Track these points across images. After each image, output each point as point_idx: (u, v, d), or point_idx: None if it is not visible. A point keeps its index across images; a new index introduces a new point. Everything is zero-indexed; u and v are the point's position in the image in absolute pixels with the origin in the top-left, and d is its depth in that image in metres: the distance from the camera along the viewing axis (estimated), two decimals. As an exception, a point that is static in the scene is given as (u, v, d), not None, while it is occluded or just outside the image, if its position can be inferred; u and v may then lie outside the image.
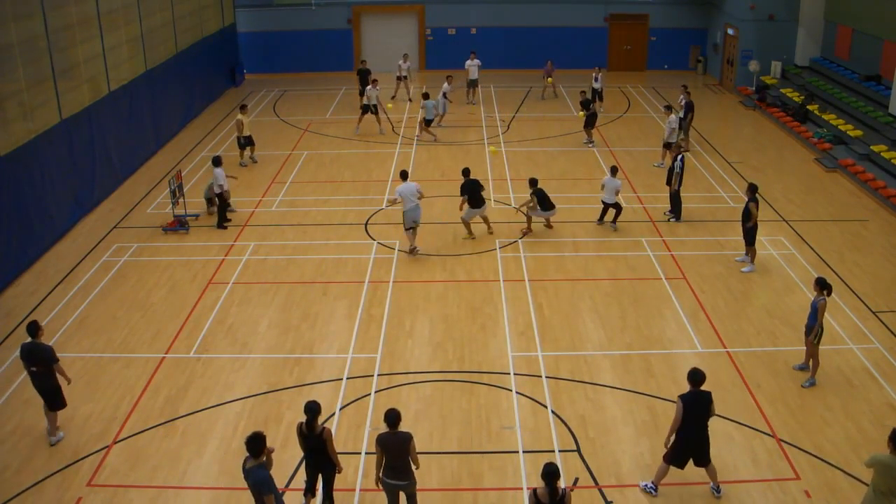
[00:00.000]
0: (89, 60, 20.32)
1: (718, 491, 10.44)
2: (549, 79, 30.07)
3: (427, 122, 25.32)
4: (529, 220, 18.33)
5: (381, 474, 9.60)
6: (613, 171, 18.54)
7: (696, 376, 10.02)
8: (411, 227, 17.06)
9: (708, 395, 10.05)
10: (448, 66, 30.61)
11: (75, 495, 10.62)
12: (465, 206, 17.97)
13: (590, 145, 24.60)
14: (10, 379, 13.18)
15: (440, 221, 19.14)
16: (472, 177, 17.98)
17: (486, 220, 18.39)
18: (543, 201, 17.96)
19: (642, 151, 24.10)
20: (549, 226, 18.58)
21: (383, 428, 9.52)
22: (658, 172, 21.54)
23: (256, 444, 8.82)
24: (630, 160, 23.35)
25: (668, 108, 23.01)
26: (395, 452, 9.43)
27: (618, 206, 18.52)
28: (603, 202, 18.58)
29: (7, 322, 14.93)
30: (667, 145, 22.17)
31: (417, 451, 9.68)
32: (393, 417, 9.45)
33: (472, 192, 17.81)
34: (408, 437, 9.47)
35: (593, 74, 28.50)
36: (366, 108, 25.64)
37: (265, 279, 16.46)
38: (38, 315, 15.10)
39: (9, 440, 11.72)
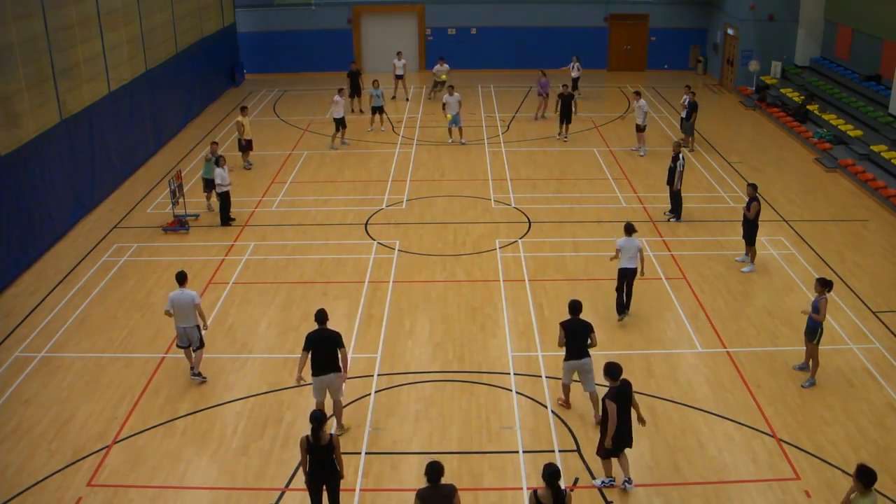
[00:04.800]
0: (89, 60, 20.31)
1: (630, 483, 10.46)
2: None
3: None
4: (567, 390, 12.18)
5: None
6: (629, 229, 14.28)
7: (613, 370, 10.26)
8: (187, 346, 12.94)
9: (629, 383, 10.33)
10: (448, 66, 30.54)
11: (75, 495, 10.62)
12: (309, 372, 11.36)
13: (564, 139, 25.15)
14: (10, 379, 13.18)
15: (440, 222, 19.14)
16: (325, 325, 11.33)
17: (337, 406, 11.50)
18: (575, 344, 11.72)
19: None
20: (565, 404, 12.27)
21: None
22: (658, 173, 21.49)
23: None
24: (630, 160, 23.36)
25: (638, 94, 24.28)
26: None
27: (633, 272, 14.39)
28: (621, 269, 14.29)
29: (7, 322, 14.93)
30: (641, 128, 23.61)
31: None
32: (434, 471, 8.38)
33: (319, 348, 11.18)
34: (452, 491, 8.48)
35: (571, 64, 29.61)
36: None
37: (265, 279, 16.46)
38: (38, 315, 15.12)
39: (9, 440, 11.72)
